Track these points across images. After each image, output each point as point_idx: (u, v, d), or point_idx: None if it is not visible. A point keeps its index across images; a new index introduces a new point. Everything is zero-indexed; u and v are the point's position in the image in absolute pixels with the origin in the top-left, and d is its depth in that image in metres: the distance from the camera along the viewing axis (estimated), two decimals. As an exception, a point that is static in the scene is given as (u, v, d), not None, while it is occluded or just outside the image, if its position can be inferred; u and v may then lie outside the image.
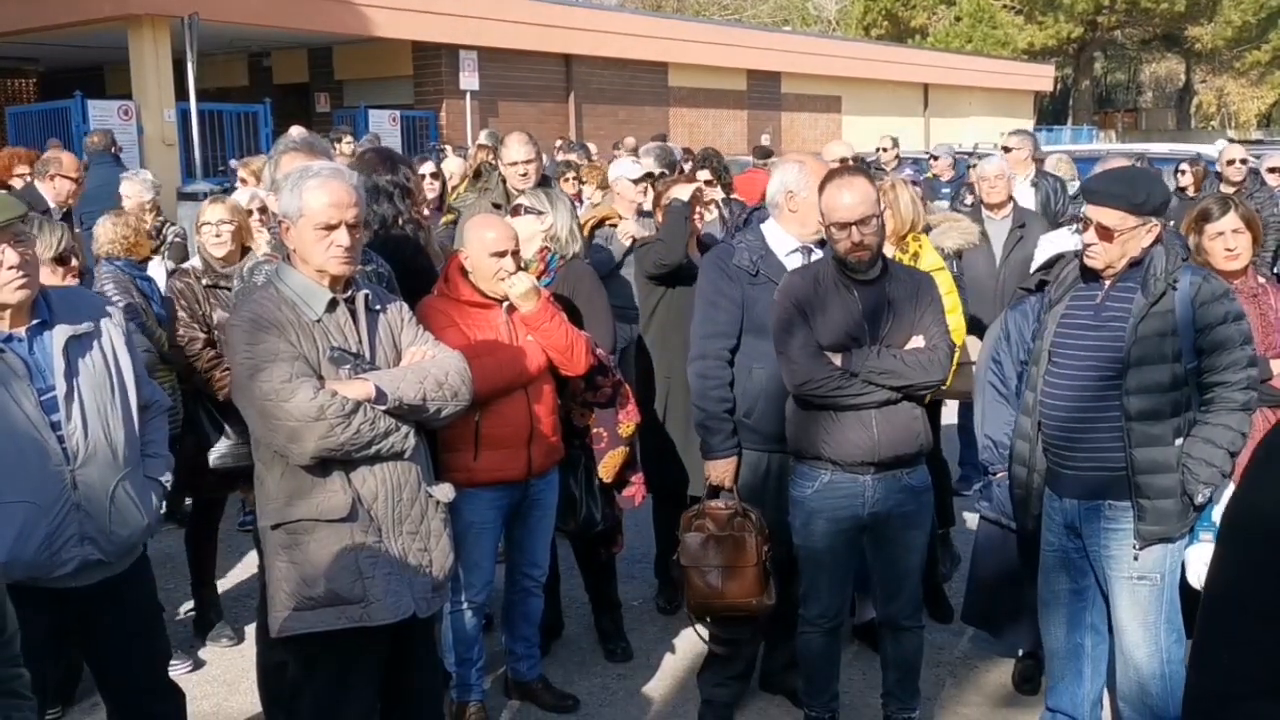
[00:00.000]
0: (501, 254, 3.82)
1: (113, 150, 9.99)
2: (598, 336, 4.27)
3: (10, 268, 2.86)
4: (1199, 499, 3.31)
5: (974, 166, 8.75)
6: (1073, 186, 7.99)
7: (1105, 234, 3.35)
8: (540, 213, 4.43)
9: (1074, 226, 5.17)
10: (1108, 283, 3.43)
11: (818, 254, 3.99)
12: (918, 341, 3.65)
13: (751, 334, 3.96)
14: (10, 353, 2.91)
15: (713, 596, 3.95)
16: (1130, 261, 3.38)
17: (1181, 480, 3.32)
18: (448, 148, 14.40)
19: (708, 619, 4.15)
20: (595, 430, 4.29)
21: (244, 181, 6.57)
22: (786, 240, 4.03)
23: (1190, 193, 9.11)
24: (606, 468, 4.29)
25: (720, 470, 4.03)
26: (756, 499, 4.03)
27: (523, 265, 4.22)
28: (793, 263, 3.97)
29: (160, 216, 7.53)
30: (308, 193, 3.02)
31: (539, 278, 4.30)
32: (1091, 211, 3.38)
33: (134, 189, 6.99)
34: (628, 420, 4.32)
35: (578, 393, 4.23)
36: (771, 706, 4.35)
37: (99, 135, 10.23)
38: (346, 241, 3.02)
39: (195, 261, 4.88)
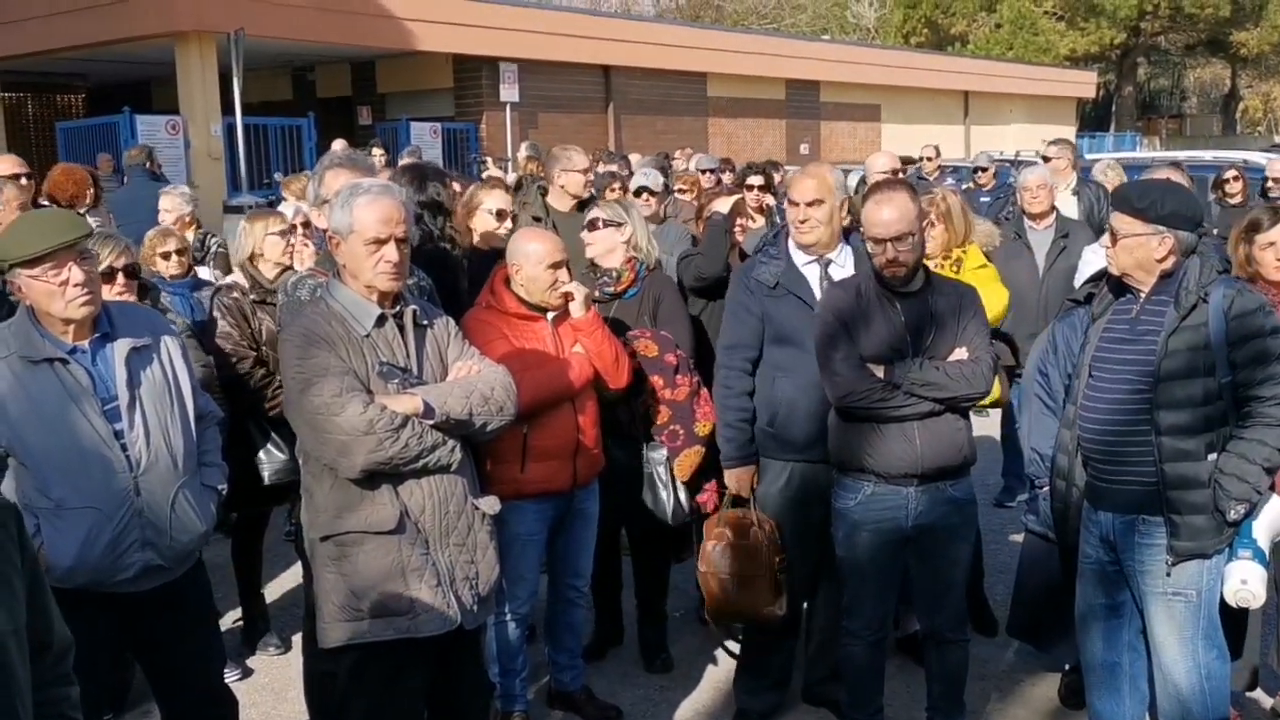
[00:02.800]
0: (558, 265, 3.88)
1: (149, 166, 10.12)
2: (679, 339, 4.41)
3: (77, 285, 2.96)
4: (1231, 515, 3.24)
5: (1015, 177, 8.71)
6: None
7: (1113, 237, 3.39)
8: (619, 224, 4.49)
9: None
10: (1143, 296, 3.41)
11: (836, 264, 4.02)
12: (961, 353, 3.66)
13: (774, 344, 4.04)
14: (75, 364, 3.02)
15: (726, 603, 4.11)
16: (1162, 274, 3.35)
17: (1213, 496, 3.26)
18: (489, 159, 14.52)
19: (727, 625, 4.32)
20: (671, 428, 4.32)
21: (285, 200, 6.67)
22: (801, 251, 4.07)
23: (1237, 201, 9.00)
24: (682, 465, 4.31)
25: (737, 479, 4.12)
26: (780, 508, 4.10)
27: (615, 275, 4.34)
28: (811, 273, 4.02)
29: (202, 229, 7.62)
30: (358, 209, 3.07)
31: (629, 287, 4.38)
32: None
33: (173, 203, 7.02)
34: (704, 420, 4.32)
35: (657, 389, 4.29)
36: (824, 713, 4.34)
37: (138, 150, 10.39)
38: (395, 257, 3.07)
39: (238, 277, 4.82)
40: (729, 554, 4.05)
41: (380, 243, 3.05)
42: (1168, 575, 3.35)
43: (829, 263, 4.03)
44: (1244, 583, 3.25)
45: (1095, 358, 3.47)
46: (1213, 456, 3.27)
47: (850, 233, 4.18)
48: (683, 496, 4.33)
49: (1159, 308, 3.34)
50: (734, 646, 4.61)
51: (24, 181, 6.44)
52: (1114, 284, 3.50)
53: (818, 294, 3.98)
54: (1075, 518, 3.60)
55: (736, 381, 4.08)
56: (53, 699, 1.95)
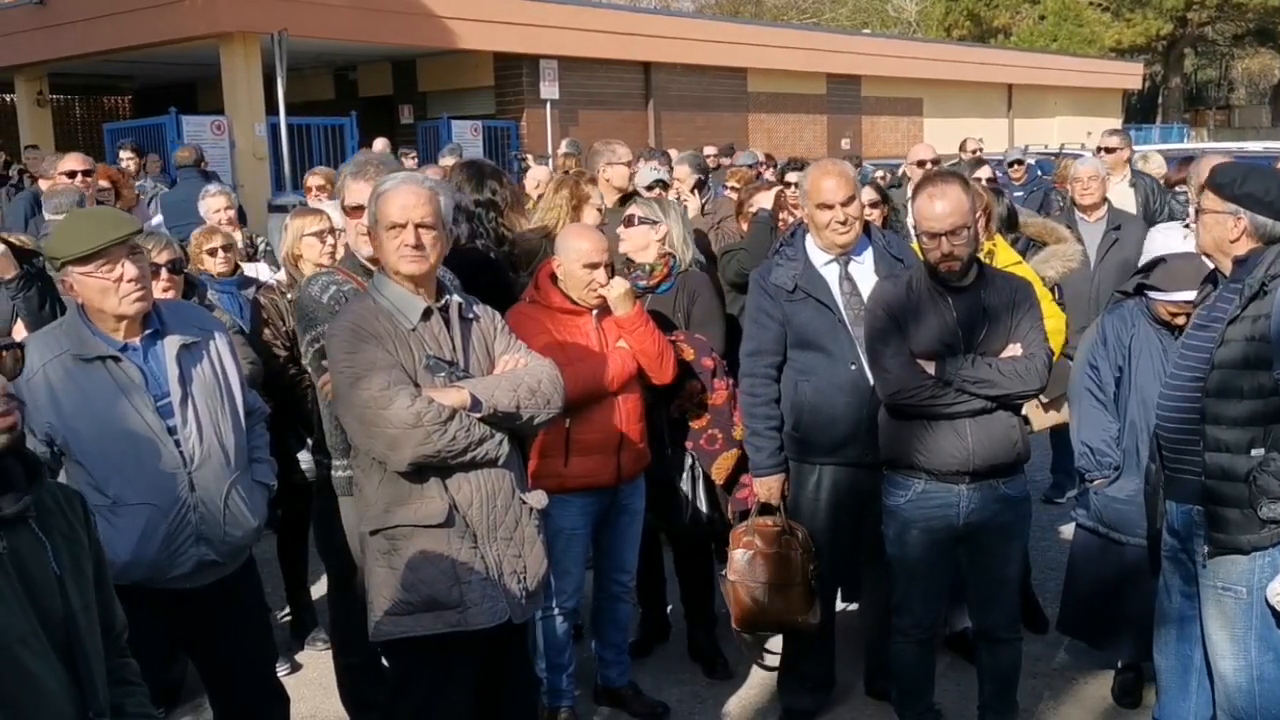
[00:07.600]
0: (594, 265, 3.86)
1: (201, 165, 10.24)
2: (713, 341, 4.37)
3: (130, 280, 2.99)
4: (1263, 513, 3.13)
5: (1057, 170, 8.57)
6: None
7: (1198, 213, 3.34)
8: (655, 222, 4.48)
9: (1185, 222, 5.04)
10: (1223, 282, 3.33)
11: (856, 262, 3.96)
12: (1015, 350, 3.59)
13: (796, 348, 3.98)
14: (127, 361, 3.05)
15: (757, 612, 4.03)
16: (1237, 260, 3.27)
17: (1249, 491, 3.15)
18: (529, 156, 14.54)
19: (754, 632, 4.25)
20: (710, 432, 4.29)
21: (310, 190, 6.72)
22: (820, 252, 4.00)
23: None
24: (719, 469, 4.29)
25: (766, 487, 4.05)
26: (806, 512, 4.04)
27: (648, 269, 4.33)
28: (830, 274, 3.96)
29: (249, 230, 7.66)
30: (380, 200, 3.11)
31: (661, 281, 4.35)
32: None
33: (216, 203, 6.88)
34: (741, 423, 4.30)
35: (694, 394, 4.26)
36: (873, 710, 4.31)
37: (188, 150, 10.55)
38: (413, 240, 3.03)
39: (280, 275, 4.87)
40: (759, 562, 3.97)
41: (399, 227, 3.05)
42: (1204, 567, 3.29)
43: (849, 261, 3.97)
44: None
45: (1181, 343, 3.42)
46: (1257, 452, 3.17)
47: (870, 228, 4.12)
48: (704, 505, 4.30)
49: (1232, 295, 3.25)
50: (770, 660, 4.58)
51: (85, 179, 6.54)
52: (1212, 271, 3.43)
53: (837, 295, 3.92)
54: (1163, 503, 3.51)
55: (762, 389, 4.02)
56: (118, 667, 2.28)
